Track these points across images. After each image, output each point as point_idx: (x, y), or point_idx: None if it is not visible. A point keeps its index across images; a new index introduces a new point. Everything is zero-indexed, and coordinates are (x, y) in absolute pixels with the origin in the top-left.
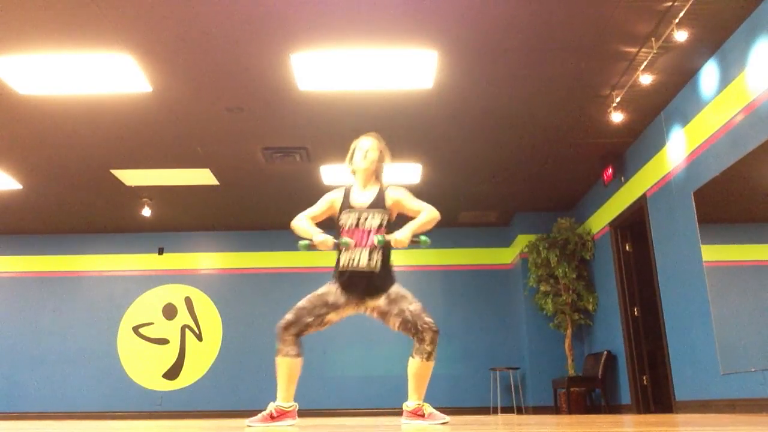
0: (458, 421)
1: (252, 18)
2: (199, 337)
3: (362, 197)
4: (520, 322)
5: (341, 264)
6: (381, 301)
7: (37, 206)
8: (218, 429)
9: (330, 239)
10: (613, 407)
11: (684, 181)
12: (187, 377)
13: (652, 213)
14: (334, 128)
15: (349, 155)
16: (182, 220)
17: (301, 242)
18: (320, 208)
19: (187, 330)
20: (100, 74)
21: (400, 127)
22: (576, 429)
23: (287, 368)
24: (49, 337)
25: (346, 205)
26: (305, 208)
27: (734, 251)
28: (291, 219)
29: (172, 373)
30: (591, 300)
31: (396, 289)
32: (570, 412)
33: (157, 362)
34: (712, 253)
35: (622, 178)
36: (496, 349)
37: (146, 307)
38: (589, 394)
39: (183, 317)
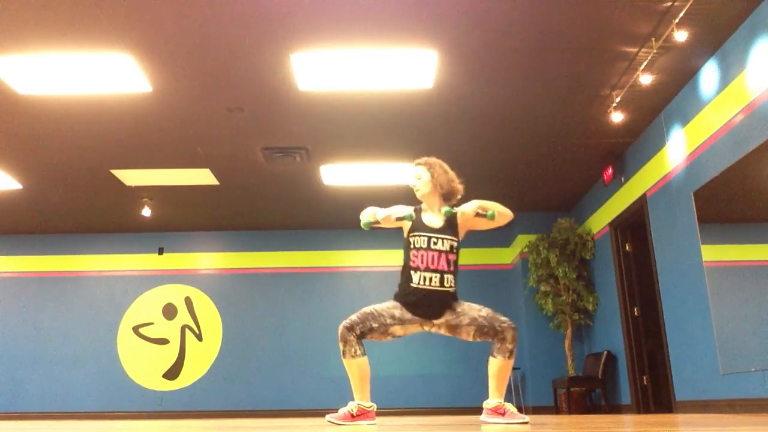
0: (458, 421)
1: (252, 18)
2: (199, 337)
3: (434, 220)
4: (520, 322)
5: (413, 282)
6: (448, 317)
7: (37, 206)
8: (218, 429)
9: (394, 213)
10: (613, 407)
11: (684, 181)
12: (187, 377)
13: (652, 213)
14: (334, 128)
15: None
16: (182, 220)
17: (364, 221)
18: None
19: (187, 330)
20: (100, 74)
21: (400, 127)
22: (576, 429)
23: (357, 368)
24: (49, 337)
25: (418, 224)
26: (305, 208)
27: (734, 251)
28: (291, 219)
29: (172, 373)
30: (591, 300)
31: (460, 302)
32: (570, 412)
33: (157, 362)
34: (712, 253)
35: (622, 178)
36: None
37: (146, 307)
38: (589, 394)
39: (183, 317)
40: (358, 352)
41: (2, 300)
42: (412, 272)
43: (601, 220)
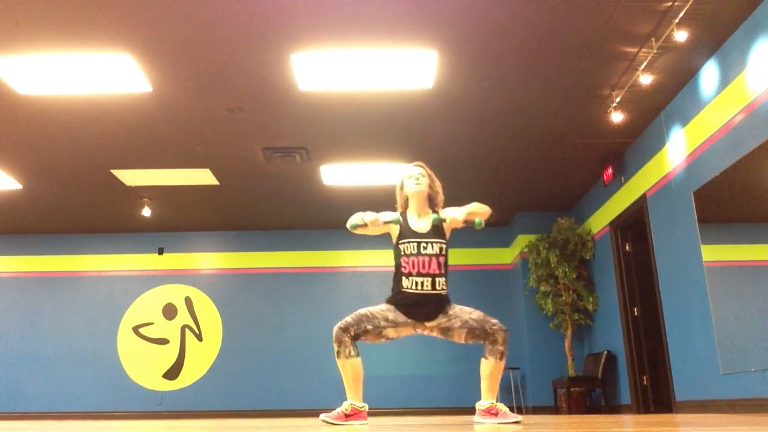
0: (458, 421)
1: (252, 18)
2: (199, 337)
3: (420, 224)
4: (520, 322)
5: (404, 286)
6: (440, 320)
7: (37, 206)
8: (218, 429)
9: (381, 216)
10: (613, 407)
11: (684, 181)
12: (187, 377)
13: (652, 213)
14: (334, 128)
15: (399, 186)
16: (182, 220)
17: (351, 224)
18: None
19: (187, 330)
20: (100, 74)
21: (400, 127)
22: (576, 429)
23: (351, 369)
24: (49, 337)
25: (406, 230)
26: (305, 208)
27: (734, 251)
28: (291, 219)
29: (172, 373)
30: (591, 300)
31: (452, 305)
32: (570, 412)
33: (157, 362)
34: (712, 253)
35: (622, 178)
36: None
37: (146, 307)
38: (589, 394)
39: (183, 317)
40: (353, 353)
41: (2, 300)
42: (404, 278)
43: (601, 220)
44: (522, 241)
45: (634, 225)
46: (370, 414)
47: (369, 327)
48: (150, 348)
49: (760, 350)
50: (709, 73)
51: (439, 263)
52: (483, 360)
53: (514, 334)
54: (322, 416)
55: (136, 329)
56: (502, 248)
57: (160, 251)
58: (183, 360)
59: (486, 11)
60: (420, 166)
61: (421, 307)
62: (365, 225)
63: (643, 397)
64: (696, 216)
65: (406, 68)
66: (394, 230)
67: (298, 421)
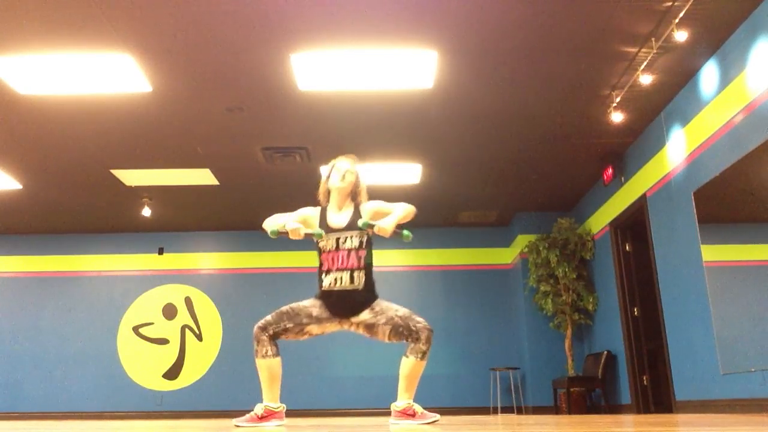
0: (458, 421)
1: (252, 18)
2: (199, 337)
3: (339, 218)
4: (520, 322)
5: (324, 285)
6: (365, 315)
7: (37, 206)
8: (218, 429)
9: (302, 228)
10: (613, 407)
11: (684, 181)
12: (187, 377)
13: (652, 213)
14: (334, 128)
15: (325, 175)
16: (182, 220)
17: (272, 229)
18: (294, 218)
19: (187, 330)
20: (100, 74)
21: (400, 127)
22: (576, 429)
23: (267, 369)
24: (49, 337)
25: (324, 227)
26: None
27: (734, 251)
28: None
29: (172, 373)
30: (591, 300)
31: (379, 302)
32: (570, 412)
33: (157, 362)
34: (712, 253)
35: (622, 178)
36: (496, 349)
37: (146, 307)
38: (589, 394)
39: (183, 317)
40: (269, 352)
41: (2, 300)
42: (323, 275)
43: (601, 220)
44: (522, 241)
45: (634, 225)
46: (361, 414)
47: (289, 325)
48: (150, 348)
49: (760, 350)
50: (709, 73)
51: (358, 257)
52: (403, 358)
53: (515, 334)
54: (234, 421)
55: (136, 329)
56: (502, 248)
57: (160, 251)
58: (183, 360)
59: (486, 11)
60: (350, 160)
61: (342, 303)
62: (285, 233)
63: (643, 397)
64: (696, 216)
65: (406, 68)
66: (311, 222)
67: (298, 421)
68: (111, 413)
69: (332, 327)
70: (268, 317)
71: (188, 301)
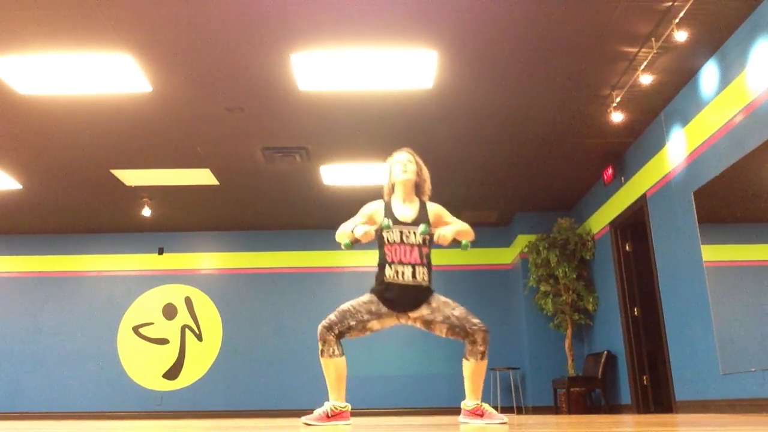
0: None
1: (252, 18)
2: (199, 337)
3: (406, 211)
4: (520, 322)
5: (387, 277)
6: (423, 311)
7: (37, 206)
8: (218, 429)
9: (371, 228)
10: (613, 407)
11: (684, 181)
12: (187, 377)
13: (652, 213)
14: (334, 128)
15: (387, 171)
16: (182, 220)
17: (344, 243)
18: (359, 220)
19: (187, 330)
20: (100, 74)
21: (401, 127)
22: (576, 429)
23: (334, 368)
24: (49, 337)
25: (390, 217)
26: (305, 208)
27: (734, 251)
28: (291, 219)
29: (172, 373)
30: (591, 300)
31: (436, 297)
32: (570, 412)
33: (157, 362)
34: (712, 253)
35: (622, 178)
36: (496, 349)
37: (146, 307)
38: (589, 394)
39: (183, 317)
40: (336, 351)
41: (2, 300)
42: (387, 266)
43: (601, 220)
44: (522, 241)
45: (634, 225)
46: (370, 414)
47: (353, 323)
48: (150, 348)
49: (760, 350)
50: (709, 73)
51: (421, 253)
52: (464, 361)
53: (515, 334)
54: (304, 419)
55: (136, 329)
56: (502, 248)
57: (160, 251)
58: (183, 360)
59: (486, 11)
60: (408, 152)
61: (402, 298)
62: (357, 240)
63: (643, 397)
64: (696, 216)
65: (406, 68)
66: (376, 217)
67: (299, 421)
68: (111, 413)
69: (391, 322)
70: (332, 317)
71: (188, 301)
